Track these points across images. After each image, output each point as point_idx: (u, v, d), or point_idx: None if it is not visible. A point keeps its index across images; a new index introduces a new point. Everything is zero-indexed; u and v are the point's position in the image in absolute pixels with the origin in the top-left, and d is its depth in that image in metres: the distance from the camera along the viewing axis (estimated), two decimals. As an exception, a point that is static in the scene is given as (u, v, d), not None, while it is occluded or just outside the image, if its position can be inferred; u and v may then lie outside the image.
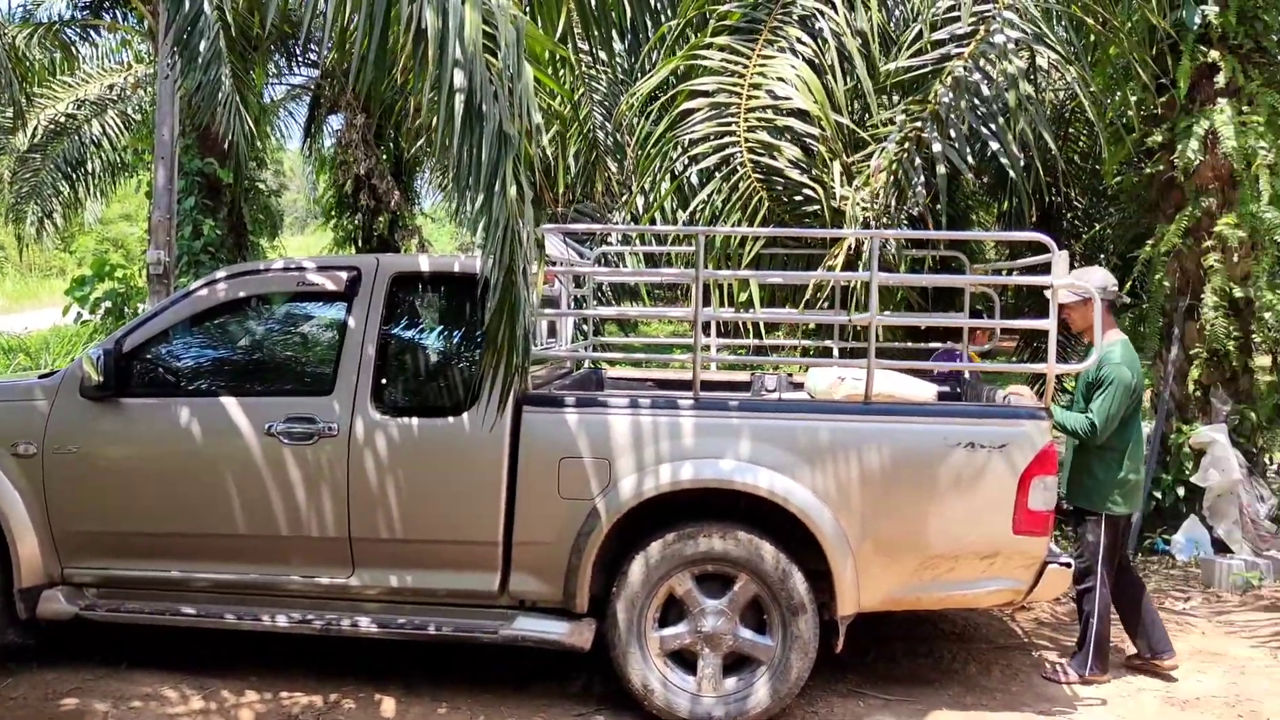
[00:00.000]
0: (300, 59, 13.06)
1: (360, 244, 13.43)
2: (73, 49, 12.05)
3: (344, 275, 4.66)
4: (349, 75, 3.55)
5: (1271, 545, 7.37)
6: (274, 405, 4.63)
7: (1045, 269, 4.53)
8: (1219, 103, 7.45)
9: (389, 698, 4.52)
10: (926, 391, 4.81)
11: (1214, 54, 7.53)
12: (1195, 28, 7.46)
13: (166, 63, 7.33)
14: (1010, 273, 5.76)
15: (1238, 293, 7.48)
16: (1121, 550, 5.17)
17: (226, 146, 9.76)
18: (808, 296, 5.70)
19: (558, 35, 4.87)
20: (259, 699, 4.50)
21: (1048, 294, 4.55)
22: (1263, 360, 8.24)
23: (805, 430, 4.50)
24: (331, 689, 4.61)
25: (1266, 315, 7.36)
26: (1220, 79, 7.52)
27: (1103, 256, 10.14)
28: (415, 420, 4.55)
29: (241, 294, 4.81)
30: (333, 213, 13.69)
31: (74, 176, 12.98)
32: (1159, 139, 7.75)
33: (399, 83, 3.59)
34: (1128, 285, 8.49)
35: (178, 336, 4.78)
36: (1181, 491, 7.76)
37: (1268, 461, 8.39)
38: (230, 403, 4.65)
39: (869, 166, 6.01)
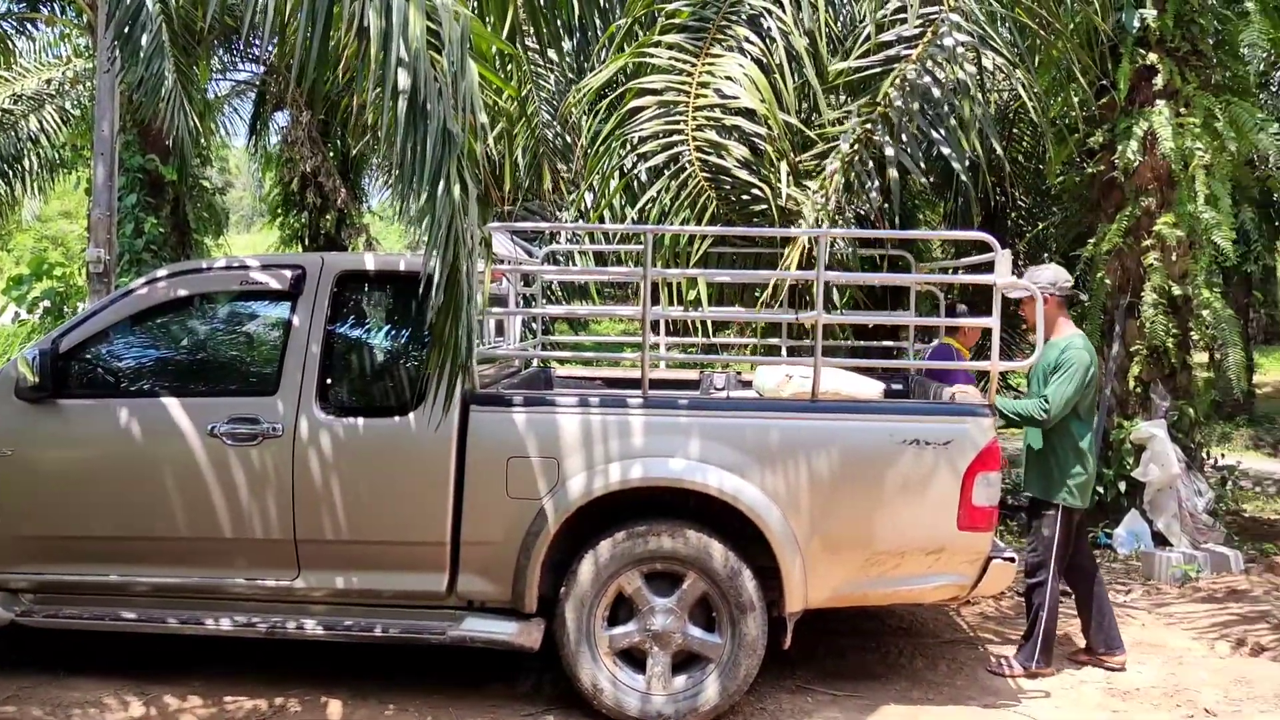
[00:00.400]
0: (245, 54, 12.88)
1: (307, 242, 13.28)
2: (9, 43, 11.78)
3: (288, 274, 4.60)
4: (293, 71, 3.49)
5: (1209, 538, 7.53)
6: (216, 406, 4.57)
7: (989, 268, 4.56)
8: (1157, 104, 7.60)
9: (335, 700, 4.47)
10: (873, 389, 4.84)
11: (1152, 57, 7.67)
12: (1134, 31, 7.59)
13: (106, 57, 7.18)
14: (956, 271, 5.79)
15: (1176, 291, 7.63)
16: (1076, 544, 5.25)
17: (169, 143, 9.59)
18: (764, 297, 5.78)
19: (505, 33, 4.81)
20: (202, 704, 4.44)
21: (1005, 292, 4.68)
22: (1200, 357, 8.42)
23: (753, 428, 4.51)
24: (277, 692, 4.56)
25: (1204, 313, 7.50)
26: (1158, 81, 7.67)
27: (1046, 255, 10.30)
28: (361, 420, 4.51)
29: (183, 292, 4.74)
30: (279, 211, 13.52)
31: (11, 173, 12.70)
32: (1100, 140, 7.88)
33: (343, 79, 3.54)
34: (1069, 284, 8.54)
35: (117, 336, 4.71)
36: (1123, 486, 7.91)
37: (1205, 456, 8.57)
38: (171, 403, 4.59)
39: (819, 166, 6.03)
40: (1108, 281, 7.82)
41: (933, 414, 4.59)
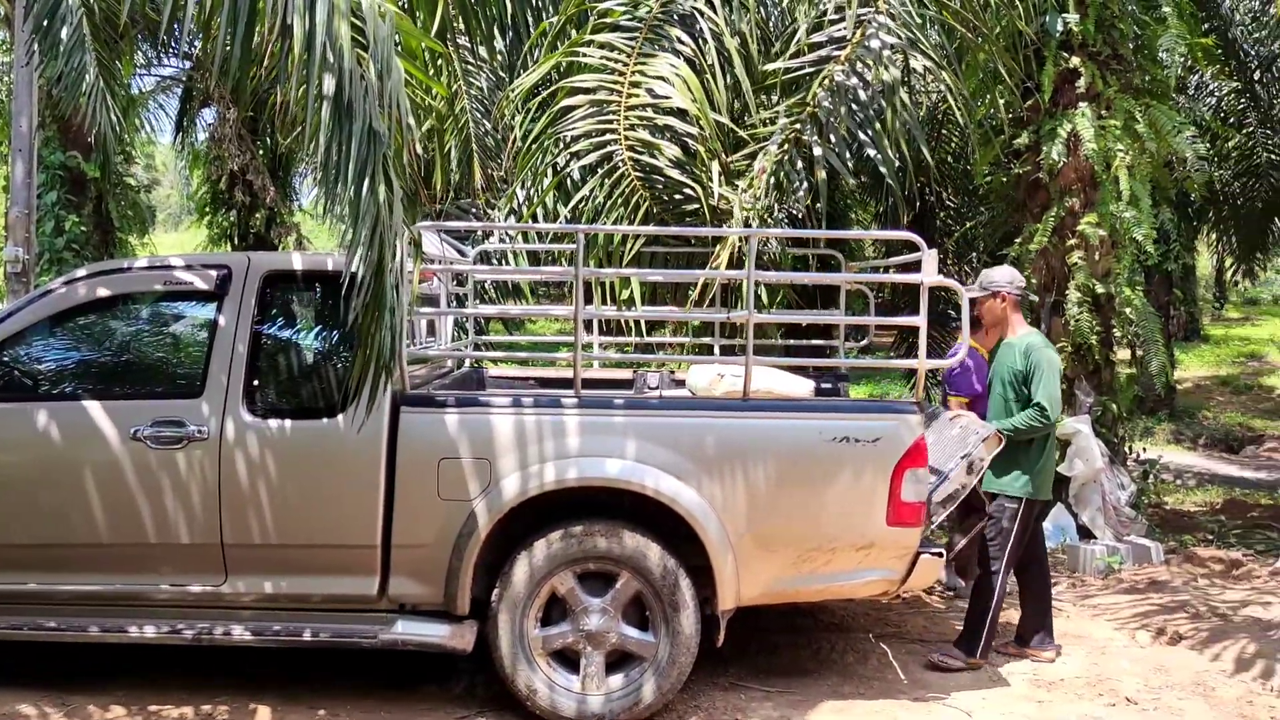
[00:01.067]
0: (171, 49, 12.63)
1: (236, 241, 13.06)
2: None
3: (213, 274, 4.56)
4: (213, 69, 3.42)
5: (1131, 531, 7.70)
6: (139, 409, 4.49)
7: (917, 267, 4.59)
8: (1080, 107, 7.76)
9: (265, 706, 4.41)
10: (803, 388, 4.88)
11: (1075, 60, 7.84)
12: (1057, 35, 7.75)
13: (24, 50, 6.99)
14: (886, 270, 5.84)
15: (1099, 289, 7.80)
16: (1032, 536, 5.36)
17: (91, 139, 9.37)
18: (693, 296, 5.81)
19: (435, 30, 4.77)
20: (126, 713, 4.35)
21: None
22: (1123, 354, 8.61)
23: (686, 427, 4.53)
24: (204, 699, 4.48)
25: (1126, 311, 7.67)
26: (1081, 84, 7.84)
27: (974, 255, 10.46)
28: (289, 422, 4.46)
29: (104, 293, 4.65)
30: (207, 209, 13.28)
31: (-77, 170, 12.31)
32: (1025, 141, 8.03)
33: (267, 78, 3.49)
34: None
35: (36, 338, 4.64)
36: (1048, 481, 7.73)
37: (1128, 451, 8.77)
38: (93, 407, 4.50)
39: (750, 166, 6.07)
40: (1033, 280, 7.97)
41: (862, 412, 4.66)
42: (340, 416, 4.44)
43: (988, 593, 5.19)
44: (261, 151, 12.98)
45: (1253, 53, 10.71)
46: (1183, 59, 7.83)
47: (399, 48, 3.36)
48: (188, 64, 12.97)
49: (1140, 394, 10.99)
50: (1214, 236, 14.30)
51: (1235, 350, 22.25)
